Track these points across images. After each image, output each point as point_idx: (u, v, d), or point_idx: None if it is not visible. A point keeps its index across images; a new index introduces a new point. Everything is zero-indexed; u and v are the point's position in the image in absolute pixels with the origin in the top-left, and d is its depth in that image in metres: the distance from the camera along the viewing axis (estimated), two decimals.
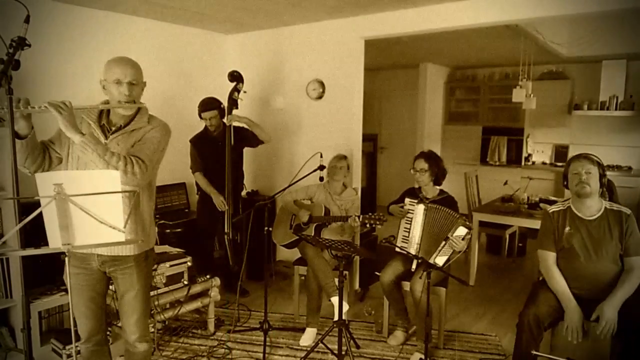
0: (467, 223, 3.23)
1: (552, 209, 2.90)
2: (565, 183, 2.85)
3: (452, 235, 3.21)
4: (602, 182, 2.72)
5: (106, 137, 2.19)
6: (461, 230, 3.20)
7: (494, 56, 6.84)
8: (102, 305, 2.38)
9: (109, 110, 2.27)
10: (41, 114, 1.99)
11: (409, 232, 3.48)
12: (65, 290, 3.25)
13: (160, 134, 2.27)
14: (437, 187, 3.59)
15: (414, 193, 3.62)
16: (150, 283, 2.46)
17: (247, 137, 4.18)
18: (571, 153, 7.22)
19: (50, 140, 2.23)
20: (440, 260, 3.26)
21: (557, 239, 2.81)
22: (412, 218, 3.46)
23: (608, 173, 2.88)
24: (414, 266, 3.42)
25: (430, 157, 3.54)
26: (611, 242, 2.68)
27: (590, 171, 2.69)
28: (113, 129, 2.23)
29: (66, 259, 1.83)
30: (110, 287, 2.46)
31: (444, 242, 3.23)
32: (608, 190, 2.80)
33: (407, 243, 3.47)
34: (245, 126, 4.15)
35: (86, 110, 2.21)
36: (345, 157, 3.97)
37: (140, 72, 2.24)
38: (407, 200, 3.53)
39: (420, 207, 3.43)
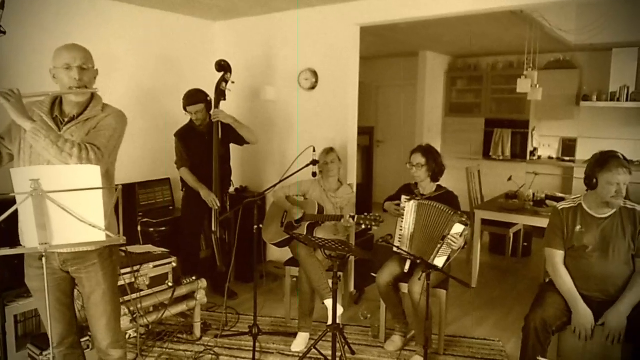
0: (464, 219, 3.22)
1: (561, 205, 2.90)
2: (588, 182, 2.75)
3: (449, 234, 3.22)
4: None
5: (59, 129, 2.18)
6: (458, 228, 3.20)
7: (497, 44, 6.84)
8: (71, 306, 2.38)
9: (61, 101, 2.25)
10: None
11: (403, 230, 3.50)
12: None
13: (116, 121, 2.27)
14: (435, 183, 3.60)
15: (410, 189, 3.63)
16: (117, 282, 2.44)
17: (233, 134, 4.17)
18: (579, 147, 7.27)
19: None
20: (439, 261, 3.26)
21: (567, 237, 2.82)
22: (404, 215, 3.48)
23: None
24: (406, 267, 3.44)
25: (428, 152, 3.55)
26: (623, 241, 2.69)
27: (626, 182, 2.66)
28: (66, 119, 2.22)
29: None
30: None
31: (441, 242, 3.24)
32: None
33: (401, 242, 3.48)
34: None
35: (37, 102, 2.21)
36: (332, 149, 3.97)
37: (91, 57, 2.24)
38: (403, 197, 3.54)
39: (411, 204, 3.44)
